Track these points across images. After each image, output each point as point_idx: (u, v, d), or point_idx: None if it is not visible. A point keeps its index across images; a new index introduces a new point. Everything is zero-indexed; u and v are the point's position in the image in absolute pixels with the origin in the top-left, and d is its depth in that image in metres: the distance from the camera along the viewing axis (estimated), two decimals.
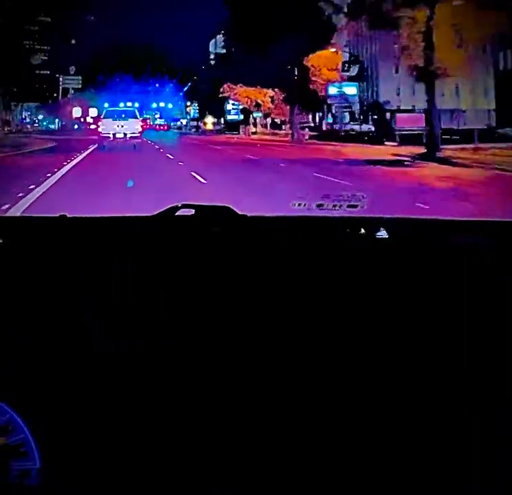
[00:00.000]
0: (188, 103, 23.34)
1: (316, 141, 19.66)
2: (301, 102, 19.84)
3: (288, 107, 21.26)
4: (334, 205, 2.08)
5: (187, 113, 23.52)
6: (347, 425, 1.57)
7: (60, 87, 23.09)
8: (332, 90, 19.13)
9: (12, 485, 1.42)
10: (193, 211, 2.01)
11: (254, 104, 21.93)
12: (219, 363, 1.59)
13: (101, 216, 2.12)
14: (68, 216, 2.09)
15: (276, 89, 20.69)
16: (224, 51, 22.58)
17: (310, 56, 18.88)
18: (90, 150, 16.47)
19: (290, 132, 20.63)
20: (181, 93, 23.03)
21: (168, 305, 1.66)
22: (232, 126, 24.18)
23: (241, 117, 24.28)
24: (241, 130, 23.38)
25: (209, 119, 24.74)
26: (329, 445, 1.57)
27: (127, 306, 1.64)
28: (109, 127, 13.64)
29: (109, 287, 1.68)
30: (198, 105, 23.08)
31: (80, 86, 22.38)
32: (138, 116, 14.95)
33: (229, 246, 1.89)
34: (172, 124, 22.51)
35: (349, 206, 2.07)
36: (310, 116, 22.81)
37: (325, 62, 19.25)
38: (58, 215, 2.10)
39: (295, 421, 1.57)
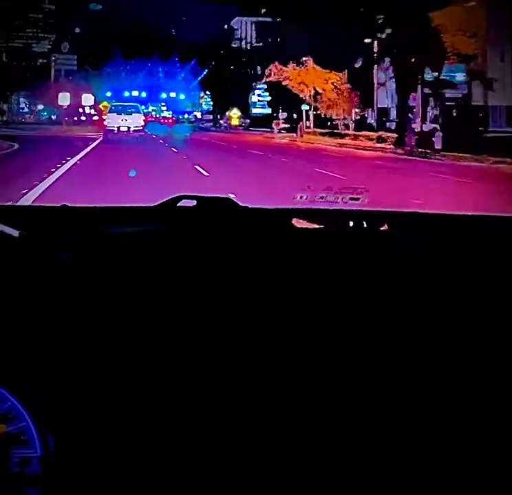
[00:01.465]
0: (202, 94, 21.63)
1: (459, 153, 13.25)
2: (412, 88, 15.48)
3: (357, 99, 17.74)
4: (336, 198, 2.36)
5: (200, 105, 23.50)
6: (345, 425, 1.77)
7: (52, 68, 21.22)
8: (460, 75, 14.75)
9: (13, 473, 1.62)
10: (194, 202, 2.28)
11: (313, 93, 18.50)
12: (221, 354, 1.79)
13: (102, 206, 2.39)
14: (69, 205, 2.36)
15: (342, 73, 17.07)
16: (269, 19, 19.19)
17: (435, 12, 13.67)
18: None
19: (398, 135, 15.92)
20: (195, 82, 22.92)
21: (170, 296, 1.87)
22: (259, 122, 23.79)
23: (269, 110, 23.70)
24: (275, 128, 22.41)
25: (235, 113, 23.54)
26: (329, 444, 1.76)
27: (129, 296, 1.84)
28: (114, 121, 17.13)
29: (110, 278, 1.88)
30: (211, 96, 22.80)
31: (75, 67, 22.45)
32: (141, 111, 18.21)
33: (230, 237, 2.12)
34: (180, 117, 22.59)
35: (351, 199, 2.37)
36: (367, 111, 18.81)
37: (460, 22, 14.08)
38: (59, 205, 2.36)
39: (299, 421, 1.77)
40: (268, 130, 22.00)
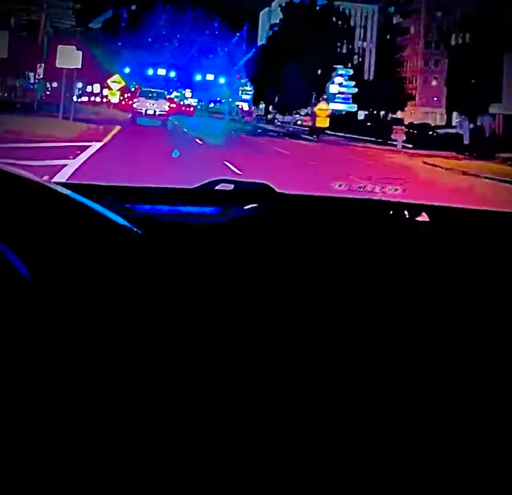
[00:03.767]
0: (243, 79, 20.56)
1: None
2: None
3: None
4: (375, 188, 2.84)
5: (239, 93, 22.63)
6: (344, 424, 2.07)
7: (46, 27, 21.11)
8: None
9: None
10: (232, 186, 2.81)
11: None
12: (247, 335, 2.11)
13: (138, 186, 2.89)
14: (103, 184, 2.87)
15: None
16: None
17: None
18: None
19: None
20: (246, 58, 22.23)
21: (200, 277, 2.23)
22: (337, 123, 20.12)
23: (354, 107, 21.17)
24: (398, 140, 17.47)
25: (323, 108, 19.44)
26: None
27: (163, 278, 2.16)
28: (142, 104, 25.13)
29: (145, 261, 2.13)
30: (251, 82, 20.64)
31: (73, 26, 20.83)
32: (166, 97, 24.96)
33: (265, 222, 2.59)
34: (210, 107, 22.94)
35: (390, 189, 2.87)
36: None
37: None
38: (92, 183, 2.84)
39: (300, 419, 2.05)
40: (379, 141, 18.64)
